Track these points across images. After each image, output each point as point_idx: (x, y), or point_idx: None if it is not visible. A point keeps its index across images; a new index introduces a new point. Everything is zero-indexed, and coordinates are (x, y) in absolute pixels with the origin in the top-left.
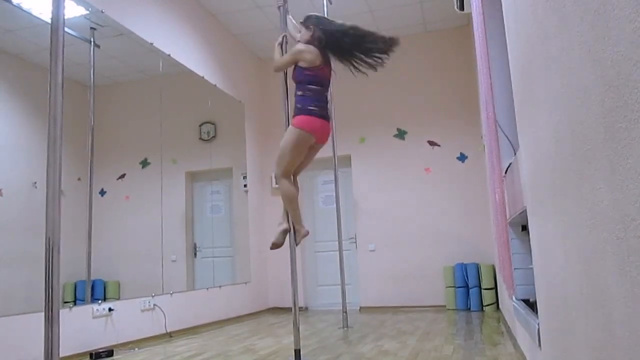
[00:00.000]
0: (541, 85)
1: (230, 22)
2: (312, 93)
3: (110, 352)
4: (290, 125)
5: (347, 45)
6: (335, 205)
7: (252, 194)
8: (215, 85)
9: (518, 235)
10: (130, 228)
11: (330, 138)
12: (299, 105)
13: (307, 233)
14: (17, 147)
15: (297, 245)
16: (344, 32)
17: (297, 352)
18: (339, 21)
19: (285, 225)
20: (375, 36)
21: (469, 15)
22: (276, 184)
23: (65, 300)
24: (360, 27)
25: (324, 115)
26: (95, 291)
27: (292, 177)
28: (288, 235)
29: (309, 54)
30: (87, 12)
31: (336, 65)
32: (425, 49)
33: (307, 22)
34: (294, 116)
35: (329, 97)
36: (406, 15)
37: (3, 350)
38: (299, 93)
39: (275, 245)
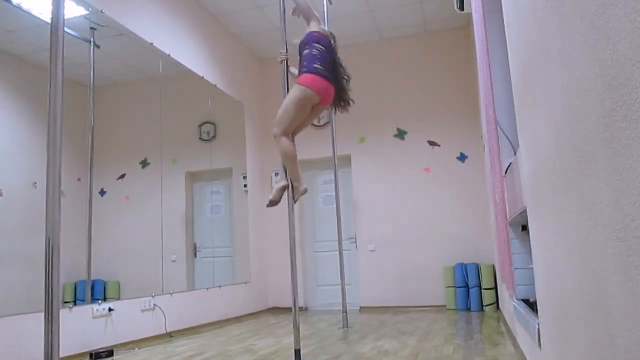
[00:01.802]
0: (541, 85)
1: (230, 22)
2: (318, 52)
3: (110, 352)
4: (295, 84)
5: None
6: (335, 205)
7: (252, 194)
8: (215, 85)
9: (518, 235)
10: (130, 228)
11: (330, 138)
12: (305, 63)
13: (305, 190)
14: (17, 147)
15: (295, 202)
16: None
17: (297, 352)
18: None
19: (283, 182)
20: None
21: (469, 15)
22: (276, 142)
23: (65, 300)
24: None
25: (328, 77)
26: (95, 291)
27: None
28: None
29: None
30: (87, 12)
31: None
32: (425, 49)
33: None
34: (299, 74)
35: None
36: (406, 15)
37: (3, 350)
38: (306, 52)
39: (272, 203)
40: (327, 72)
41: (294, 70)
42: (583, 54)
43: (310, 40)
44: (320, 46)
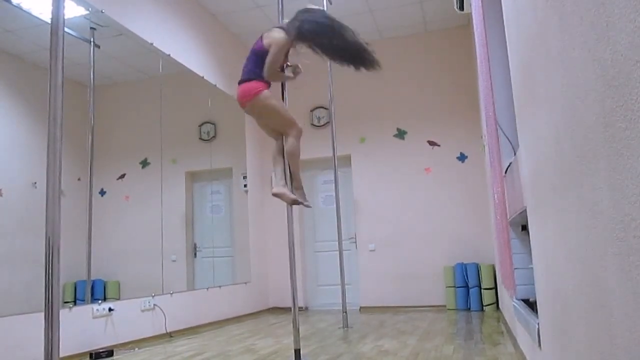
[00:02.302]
0: (541, 85)
1: (230, 22)
2: None
3: (110, 352)
4: None
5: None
6: (335, 205)
7: (252, 194)
8: (215, 85)
9: (518, 235)
10: (130, 228)
11: (330, 138)
12: None
13: (275, 194)
14: (17, 147)
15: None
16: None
17: (297, 352)
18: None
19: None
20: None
21: (469, 15)
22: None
23: (65, 300)
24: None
25: (240, 80)
26: (95, 291)
27: (279, 140)
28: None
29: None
30: (87, 12)
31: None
32: (425, 49)
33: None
34: None
35: (251, 61)
36: (406, 15)
37: (3, 350)
38: None
39: (295, 203)
40: (242, 75)
41: (289, 73)
42: (583, 54)
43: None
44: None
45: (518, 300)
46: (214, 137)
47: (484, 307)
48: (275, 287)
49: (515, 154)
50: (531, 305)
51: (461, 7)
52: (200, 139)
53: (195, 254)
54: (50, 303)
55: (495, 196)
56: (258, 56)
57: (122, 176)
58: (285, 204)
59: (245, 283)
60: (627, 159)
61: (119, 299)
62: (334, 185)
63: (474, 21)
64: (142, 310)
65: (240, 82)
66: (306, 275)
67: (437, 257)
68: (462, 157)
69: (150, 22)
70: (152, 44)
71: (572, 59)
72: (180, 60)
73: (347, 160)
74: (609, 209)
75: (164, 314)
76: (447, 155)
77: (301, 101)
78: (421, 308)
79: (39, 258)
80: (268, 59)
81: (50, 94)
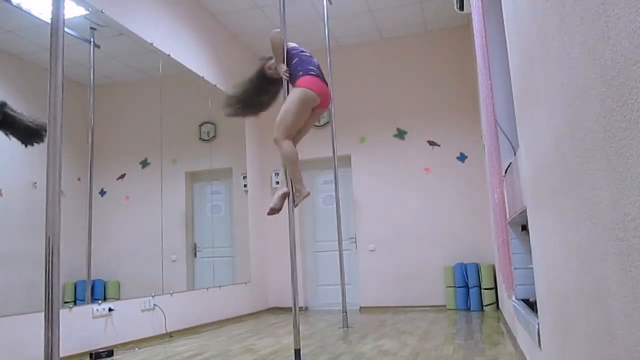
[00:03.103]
0: (541, 85)
1: (230, 22)
2: (307, 57)
3: (110, 352)
4: (294, 87)
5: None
6: (335, 205)
7: (252, 194)
8: (215, 85)
9: (518, 235)
10: (130, 228)
11: (330, 138)
12: (299, 69)
13: (308, 194)
14: (17, 147)
15: (295, 206)
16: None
17: (297, 352)
18: None
19: (284, 189)
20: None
21: (469, 15)
22: (277, 146)
23: (65, 300)
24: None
25: (324, 80)
26: (95, 291)
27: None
28: (287, 201)
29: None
30: (87, 12)
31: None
32: (425, 49)
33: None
34: (295, 80)
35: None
36: (406, 15)
37: (3, 350)
38: (296, 60)
39: (274, 211)
40: (322, 76)
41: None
42: (583, 54)
43: (296, 50)
44: (306, 54)
45: (518, 300)
46: (214, 137)
47: (484, 307)
48: (275, 287)
49: (515, 154)
50: (531, 305)
51: (461, 7)
52: (200, 139)
53: (195, 254)
54: (50, 303)
55: (495, 196)
56: None
57: (122, 176)
58: (285, 205)
59: (245, 283)
60: (627, 159)
61: (119, 299)
62: (334, 185)
63: (474, 21)
64: (142, 310)
65: (326, 83)
66: (306, 275)
67: (437, 257)
68: (462, 157)
69: (150, 22)
70: (152, 44)
71: (572, 59)
72: (180, 60)
73: (347, 160)
74: (609, 209)
75: (164, 314)
76: (447, 155)
77: None
78: (421, 308)
79: (39, 258)
80: None
81: (50, 94)
